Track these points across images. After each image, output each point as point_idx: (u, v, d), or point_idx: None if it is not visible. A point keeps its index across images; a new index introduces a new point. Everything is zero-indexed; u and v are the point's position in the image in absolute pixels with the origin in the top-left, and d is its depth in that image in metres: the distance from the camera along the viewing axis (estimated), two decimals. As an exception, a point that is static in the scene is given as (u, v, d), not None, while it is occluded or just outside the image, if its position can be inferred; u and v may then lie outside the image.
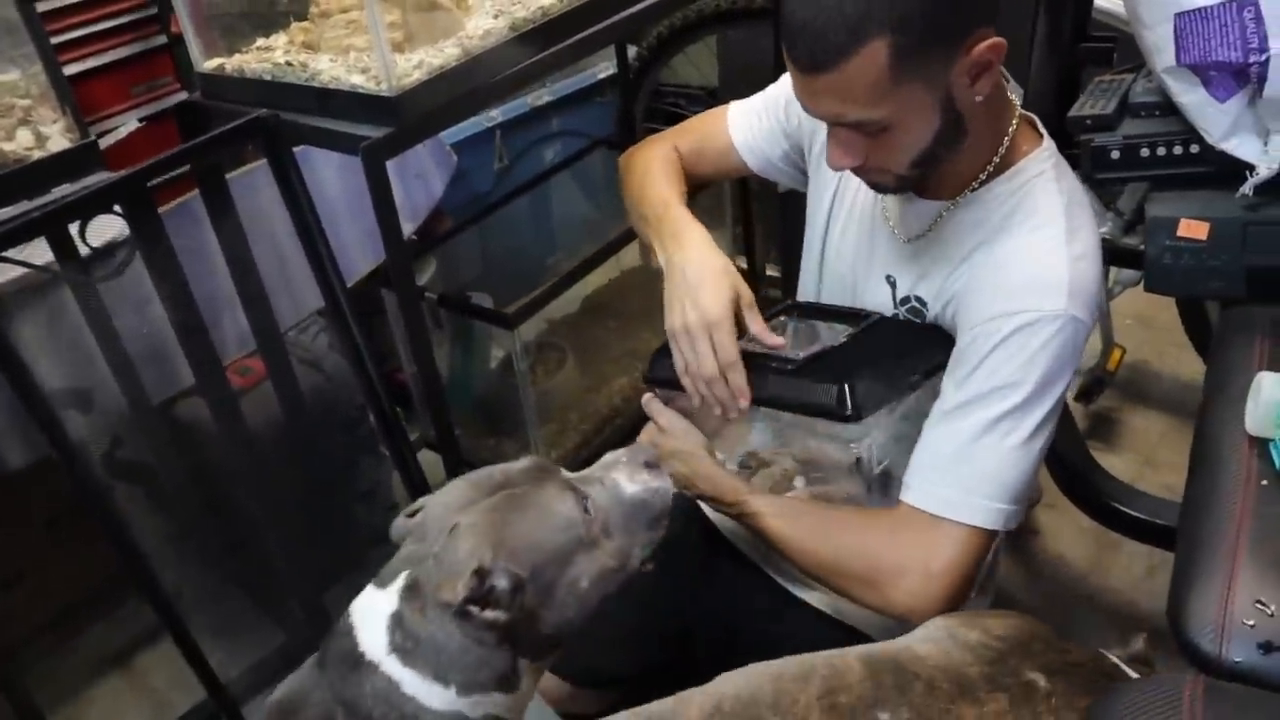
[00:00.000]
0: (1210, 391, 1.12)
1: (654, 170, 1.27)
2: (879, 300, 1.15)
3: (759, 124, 1.28)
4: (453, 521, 0.83)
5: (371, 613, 0.82)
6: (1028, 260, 1.01)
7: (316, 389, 1.81)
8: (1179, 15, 1.11)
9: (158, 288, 1.35)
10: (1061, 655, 0.94)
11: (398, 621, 0.81)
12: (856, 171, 1.03)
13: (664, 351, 1.13)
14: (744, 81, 2.62)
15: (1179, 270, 1.22)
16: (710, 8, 2.28)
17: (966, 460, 0.99)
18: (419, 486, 1.59)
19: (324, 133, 1.28)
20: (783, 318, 1.22)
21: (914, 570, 0.98)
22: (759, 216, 2.18)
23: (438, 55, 1.29)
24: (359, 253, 2.10)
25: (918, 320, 1.12)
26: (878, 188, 1.07)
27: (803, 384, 1.04)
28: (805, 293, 1.30)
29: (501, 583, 0.79)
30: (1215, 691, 0.80)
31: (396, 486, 1.85)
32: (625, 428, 1.97)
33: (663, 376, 1.14)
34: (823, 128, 1.19)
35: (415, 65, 1.27)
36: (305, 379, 1.75)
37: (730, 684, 0.92)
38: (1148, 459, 2.04)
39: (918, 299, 1.11)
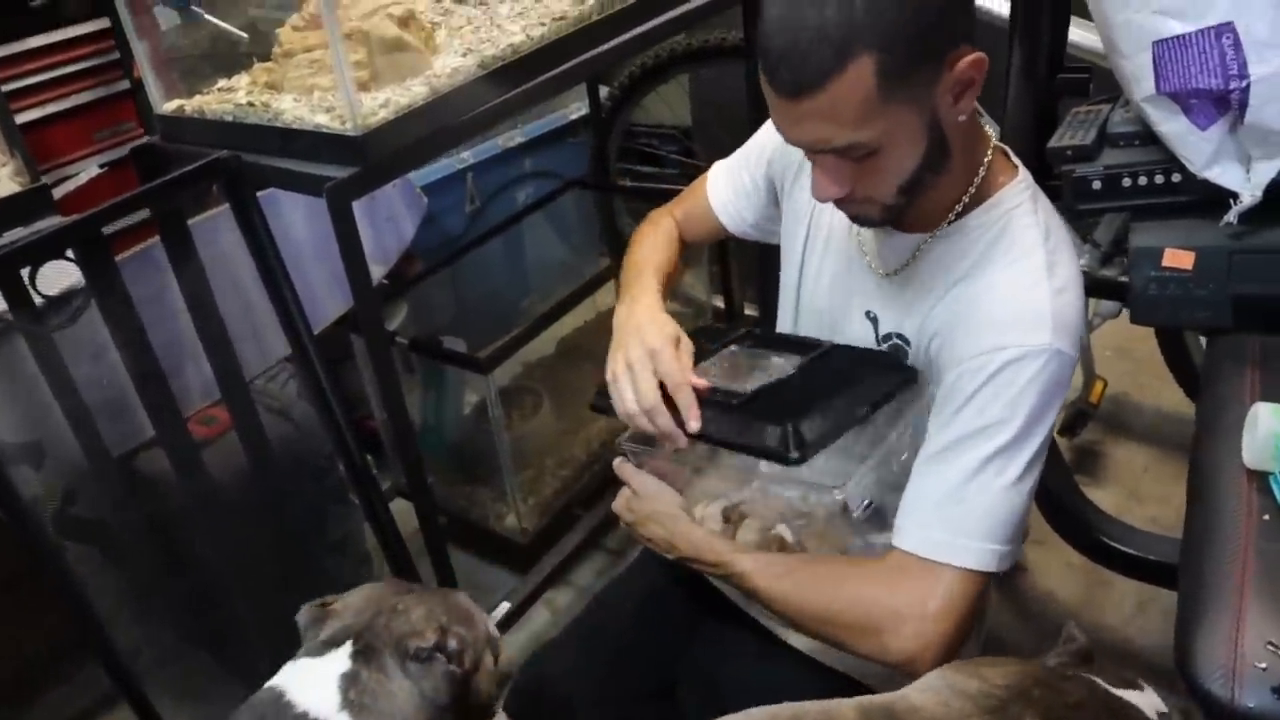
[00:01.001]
0: (1203, 424, 1.10)
1: (646, 238, 1.31)
2: (860, 338, 1.12)
3: (735, 181, 1.28)
4: (393, 602, 0.91)
5: (313, 677, 0.86)
6: (1009, 294, 0.98)
7: (284, 438, 1.76)
8: (1157, 44, 1.10)
9: (114, 336, 1.30)
10: (1061, 697, 0.90)
11: (351, 680, 0.85)
12: (841, 203, 1.00)
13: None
14: (717, 120, 2.64)
15: (1165, 301, 1.20)
16: (682, 47, 2.28)
17: (958, 502, 0.95)
18: (391, 537, 1.53)
19: (287, 174, 1.24)
20: (734, 347, 1.19)
21: (911, 617, 0.95)
22: (735, 254, 2.16)
23: (404, 94, 1.26)
24: (328, 297, 2.06)
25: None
26: (861, 220, 1.05)
27: (747, 422, 1.00)
28: (780, 324, 1.27)
29: (453, 643, 0.87)
30: (1230, 741, 0.76)
31: (368, 537, 1.80)
32: (603, 474, 1.92)
33: (606, 405, 1.11)
34: (797, 162, 1.18)
35: (381, 104, 1.24)
36: (272, 428, 1.69)
37: None
38: (1132, 492, 2.02)
39: (899, 336, 1.09)
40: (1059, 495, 1.45)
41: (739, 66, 2.26)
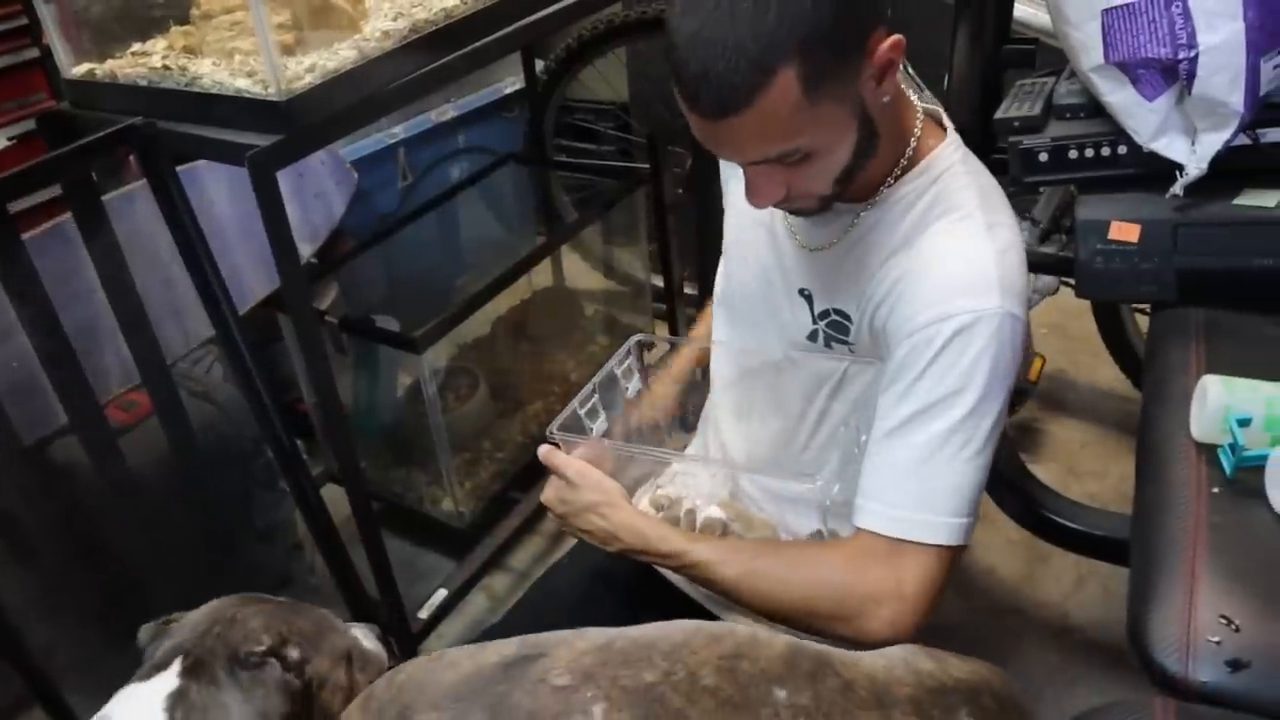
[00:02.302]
0: (1150, 398, 1.09)
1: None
2: (798, 317, 1.08)
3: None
4: (231, 614, 0.89)
5: (139, 702, 0.83)
6: (952, 259, 0.96)
7: (209, 424, 1.68)
8: (1106, 12, 1.09)
9: (20, 316, 1.22)
10: (1004, 716, 0.88)
11: (179, 698, 0.83)
12: (779, 204, 0.97)
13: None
14: (656, 95, 2.59)
15: (1110, 274, 1.19)
16: (620, 18, 2.22)
17: (922, 479, 0.93)
18: (322, 525, 1.47)
19: (206, 142, 1.17)
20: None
21: (888, 597, 0.93)
22: (675, 231, 2.12)
23: (332, 58, 1.20)
24: (254, 276, 1.97)
25: (841, 336, 1.05)
26: (799, 212, 1.02)
27: None
28: (717, 314, 1.23)
29: (293, 653, 0.85)
30: (1187, 716, 0.75)
31: (299, 525, 1.73)
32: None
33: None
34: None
35: (307, 68, 1.17)
36: (196, 413, 1.62)
37: (651, 628, 0.86)
38: (1070, 468, 2.04)
39: (838, 312, 1.05)
40: (1003, 471, 1.44)
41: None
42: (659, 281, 2.27)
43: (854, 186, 0.99)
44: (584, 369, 2.05)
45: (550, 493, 1.10)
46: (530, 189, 2.44)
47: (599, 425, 1.15)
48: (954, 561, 0.95)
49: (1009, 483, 1.43)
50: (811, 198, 0.96)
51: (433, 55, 1.30)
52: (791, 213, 1.03)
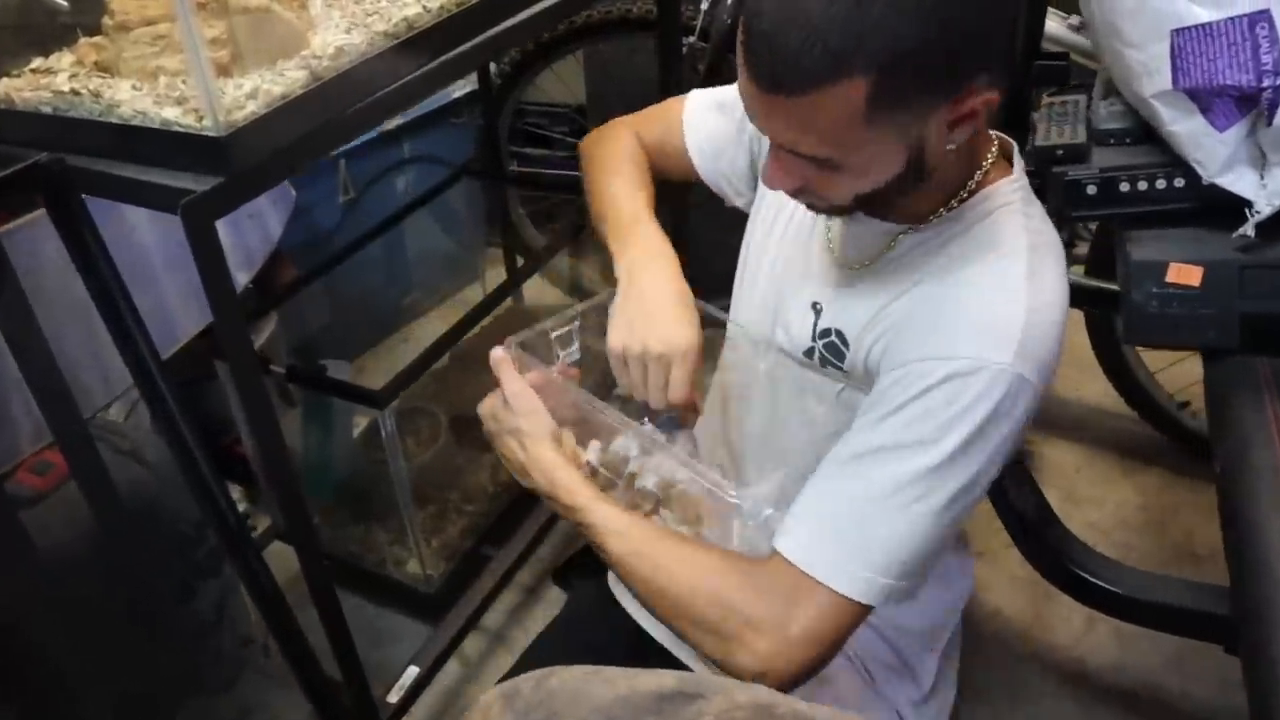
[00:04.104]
0: (1228, 464, 0.98)
1: (619, 166, 1.14)
2: (799, 328, 1.01)
3: (715, 123, 1.13)
4: None
5: None
6: (975, 298, 0.85)
7: (137, 485, 1.48)
8: (1177, 32, 0.96)
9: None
10: None
11: None
12: (791, 193, 0.89)
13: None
14: (615, 98, 2.43)
15: (1166, 319, 1.08)
16: (580, 19, 2.05)
17: (861, 520, 0.83)
18: (277, 612, 1.29)
19: (128, 183, 0.97)
20: None
21: (769, 630, 0.83)
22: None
23: (277, 81, 1.01)
24: (182, 312, 1.75)
25: (835, 360, 0.97)
26: (812, 208, 0.94)
27: None
28: (735, 300, 1.15)
29: None
30: None
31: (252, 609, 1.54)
32: (514, 504, 1.70)
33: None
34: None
35: (248, 94, 0.98)
36: (122, 473, 1.43)
37: (827, 709, 0.72)
38: (1069, 494, 1.94)
39: (839, 334, 0.97)
40: (1029, 518, 1.33)
41: (640, 41, 2.06)
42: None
43: (898, 206, 0.90)
44: (552, 402, 1.88)
45: (486, 403, 1.04)
46: (479, 199, 2.26)
47: (569, 355, 1.07)
48: (857, 620, 0.85)
49: (1037, 533, 1.31)
50: (825, 201, 0.89)
51: (394, 73, 1.12)
52: (806, 206, 0.94)
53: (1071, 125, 1.14)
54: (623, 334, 0.96)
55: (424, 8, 1.16)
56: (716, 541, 0.97)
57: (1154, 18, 0.97)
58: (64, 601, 1.25)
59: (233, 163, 0.94)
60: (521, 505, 1.72)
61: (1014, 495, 1.30)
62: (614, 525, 0.90)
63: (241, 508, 2.02)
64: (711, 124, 1.14)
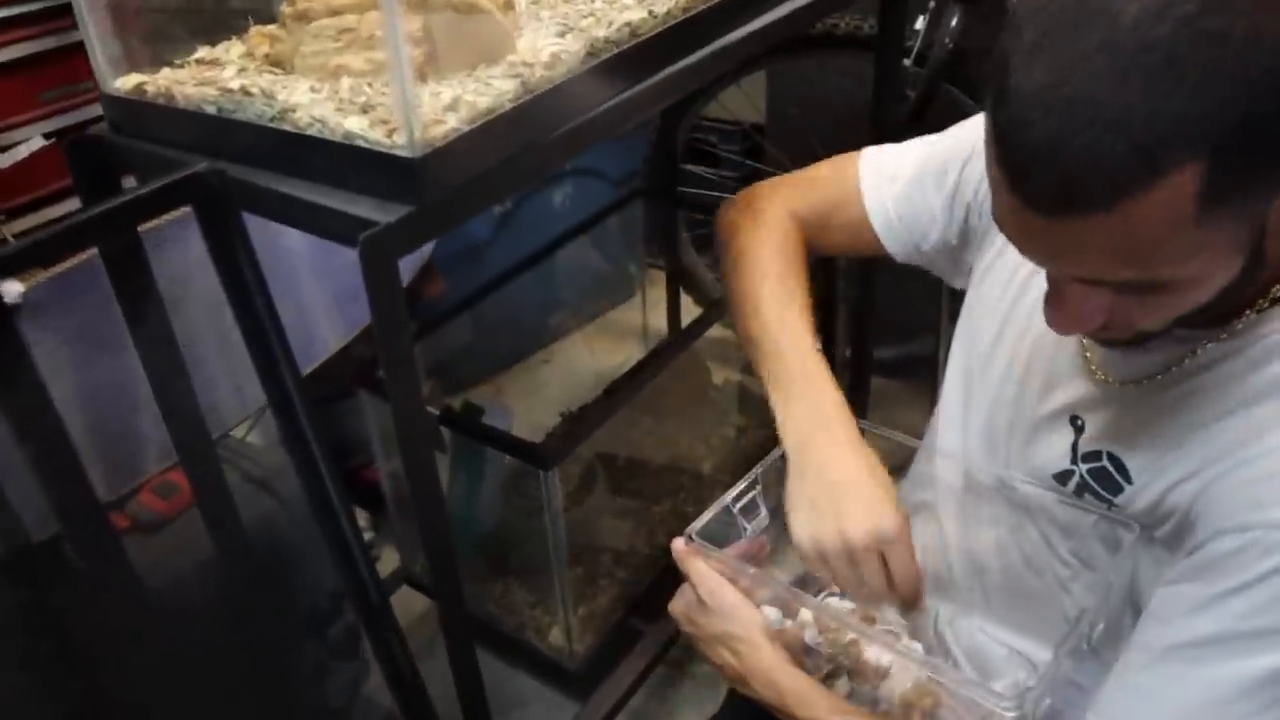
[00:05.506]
0: None
1: (769, 264, 0.99)
2: (1051, 446, 0.85)
3: (906, 195, 0.97)
4: None
5: None
6: None
7: (267, 521, 1.34)
8: None
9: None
10: None
11: None
12: (1088, 334, 0.77)
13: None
14: (799, 119, 2.21)
15: None
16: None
17: None
18: (411, 694, 1.12)
19: (298, 205, 0.81)
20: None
21: None
22: (843, 296, 1.73)
23: (483, 91, 0.83)
24: (326, 324, 1.63)
25: (1106, 491, 0.81)
26: (1104, 342, 0.80)
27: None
28: (946, 415, 0.97)
29: None
30: None
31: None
32: (669, 577, 1.49)
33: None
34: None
35: (447, 105, 0.81)
36: (251, 507, 1.28)
37: None
38: None
39: (1114, 461, 0.79)
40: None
41: (834, 59, 1.85)
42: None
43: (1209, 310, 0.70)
44: (718, 457, 1.67)
45: (679, 605, 0.93)
46: (647, 222, 2.08)
47: (756, 523, 0.95)
48: None
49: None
50: (1132, 330, 0.72)
51: (614, 87, 0.93)
52: (1099, 343, 0.80)
53: None
54: (811, 526, 0.84)
55: (650, 13, 0.98)
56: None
57: None
58: (171, 652, 1.11)
59: (426, 190, 0.77)
60: (674, 572, 1.53)
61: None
62: None
63: (367, 536, 1.89)
64: (901, 194, 0.98)
